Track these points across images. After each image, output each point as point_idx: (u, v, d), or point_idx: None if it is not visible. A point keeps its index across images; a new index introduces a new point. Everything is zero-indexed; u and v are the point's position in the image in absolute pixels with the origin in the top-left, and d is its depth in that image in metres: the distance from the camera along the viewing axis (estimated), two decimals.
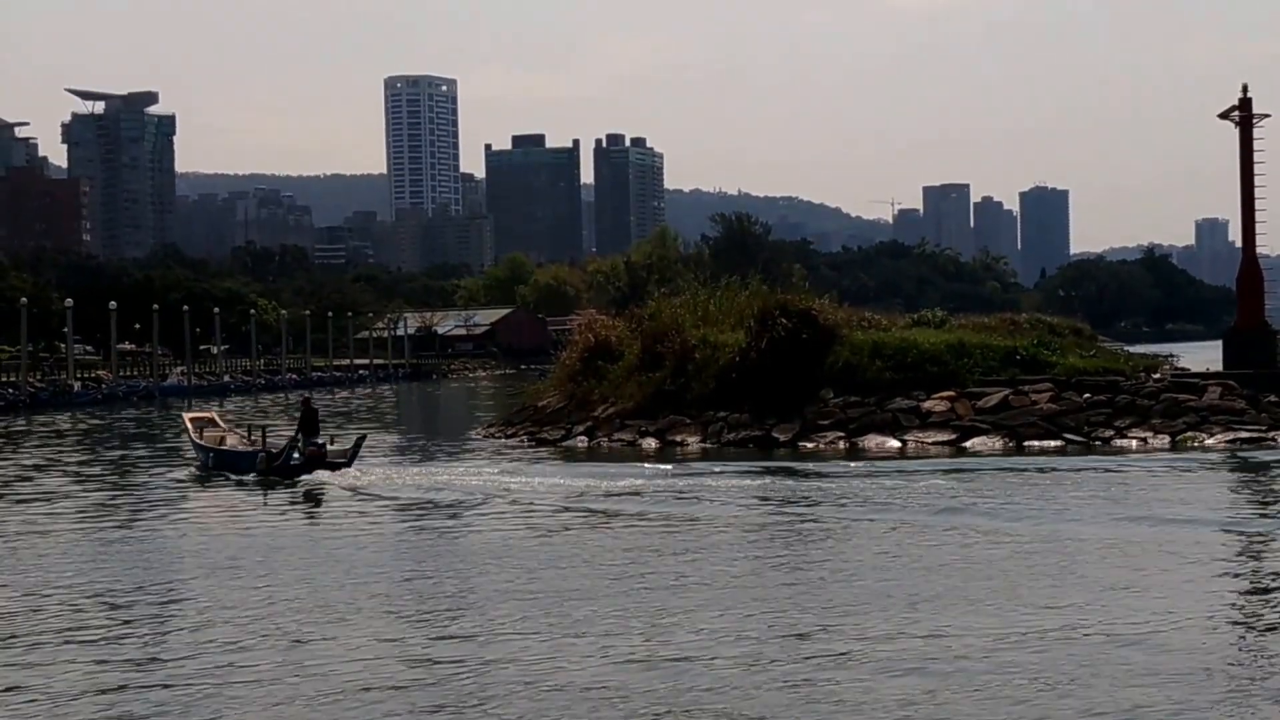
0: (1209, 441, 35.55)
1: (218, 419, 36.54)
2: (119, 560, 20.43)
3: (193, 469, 34.47)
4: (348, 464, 31.78)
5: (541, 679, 12.76)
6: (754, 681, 12.59)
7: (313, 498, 28.57)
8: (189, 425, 35.90)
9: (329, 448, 32.20)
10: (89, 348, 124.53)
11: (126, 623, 15.74)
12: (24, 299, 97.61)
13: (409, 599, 16.99)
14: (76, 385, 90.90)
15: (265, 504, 27.75)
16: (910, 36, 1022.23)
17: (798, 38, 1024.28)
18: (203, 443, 34.37)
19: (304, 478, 30.61)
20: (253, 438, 33.26)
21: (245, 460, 32.22)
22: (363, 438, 34.31)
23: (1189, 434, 36.28)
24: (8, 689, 12.92)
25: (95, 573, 19.23)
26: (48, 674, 13.41)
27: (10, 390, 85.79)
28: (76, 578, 18.86)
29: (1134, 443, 35.96)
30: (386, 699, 12.25)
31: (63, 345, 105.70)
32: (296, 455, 31.57)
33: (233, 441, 34.04)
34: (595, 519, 24.23)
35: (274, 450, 31.79)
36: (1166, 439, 36.03)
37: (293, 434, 32.81)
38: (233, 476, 31.76)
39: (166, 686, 12.87)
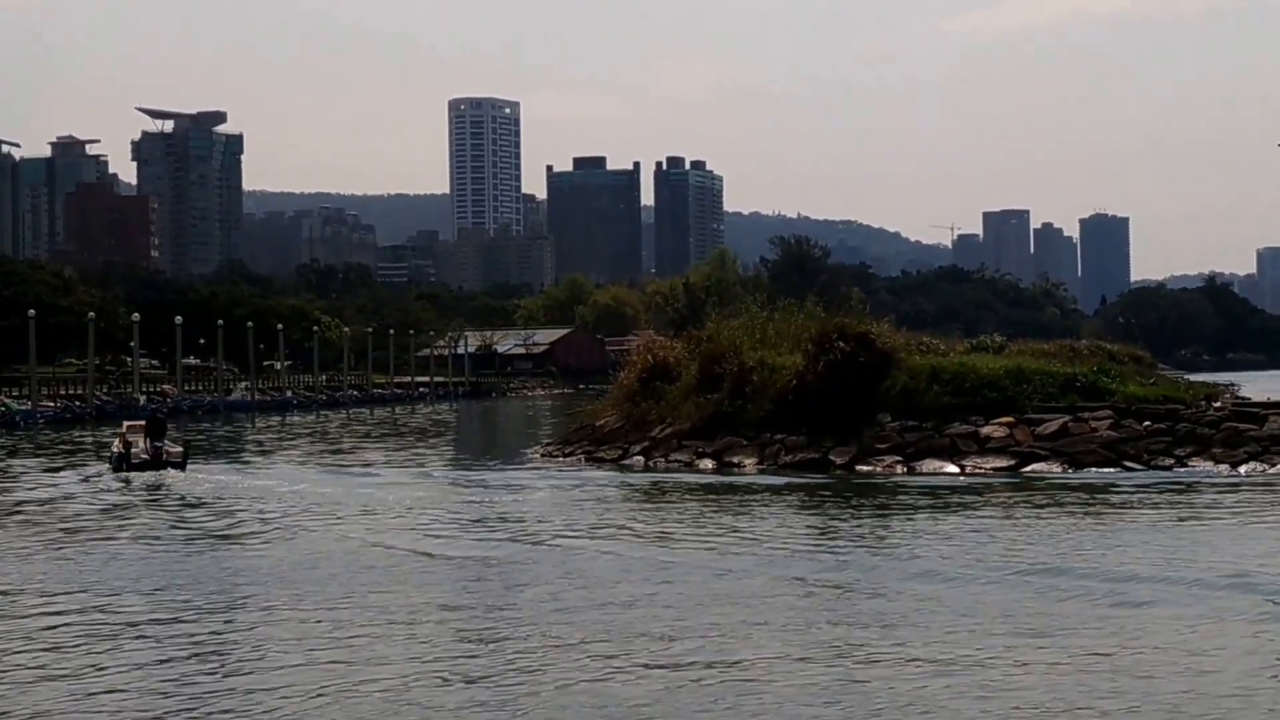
0: (1270, 471, 35.20)
1: None
2: None
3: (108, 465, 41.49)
4: (181, 467, 38.39)
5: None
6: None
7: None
8: (124, 431, 41.89)
9: (169, 449, 39.24)
10: (154, 362, 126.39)
11: None
12: (92, 313, 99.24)
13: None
14: (142, 399, 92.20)
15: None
16: (970, 62, 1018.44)
17: (857, 62, 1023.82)
18: (115, 448, 41.03)
19: (145, 474, 37.12)
20: (156, 445, 39.32)
21: (115, 460, 39.83)
22: (189, 443, 42.75)
23: (1250, 464, 35.92)
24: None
25: None
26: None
27: (77, 403, 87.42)
28: None
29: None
30: None
31: (129, 359, 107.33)
32: (144, 456, 38.61)
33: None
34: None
35: (124, 452, 39.14)
36: (1226, 468, 35.73)
37: (141, 439, 39.53)
38: (121, 472, 38.65)
39: None
